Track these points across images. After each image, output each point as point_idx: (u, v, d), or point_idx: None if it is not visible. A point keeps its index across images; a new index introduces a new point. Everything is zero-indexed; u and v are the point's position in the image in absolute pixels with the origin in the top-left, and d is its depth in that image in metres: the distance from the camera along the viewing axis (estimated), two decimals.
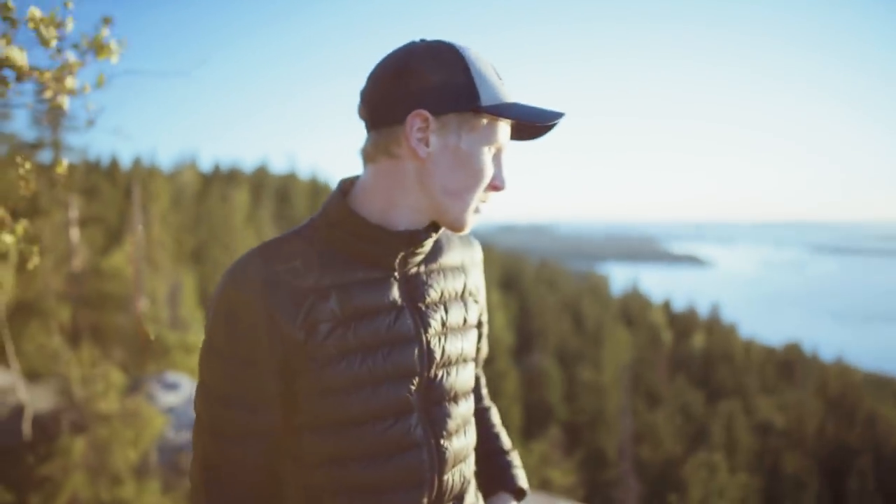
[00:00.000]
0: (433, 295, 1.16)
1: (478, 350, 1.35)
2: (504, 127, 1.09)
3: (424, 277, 1.16)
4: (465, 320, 1.21)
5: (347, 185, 1.15)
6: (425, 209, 1.10)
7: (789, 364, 41.97)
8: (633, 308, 47.74)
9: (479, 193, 1.09)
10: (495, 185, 1.10)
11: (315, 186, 50.63)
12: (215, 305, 1.06)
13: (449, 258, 1.22)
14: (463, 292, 1.23)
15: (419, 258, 1.14)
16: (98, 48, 2.04)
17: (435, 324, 1.14)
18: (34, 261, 1.97)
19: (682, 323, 46.88)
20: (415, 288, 1.14)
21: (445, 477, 1.14)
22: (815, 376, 39.81)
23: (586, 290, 51.89)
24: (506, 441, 1.39)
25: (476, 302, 1.27)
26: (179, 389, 9.91)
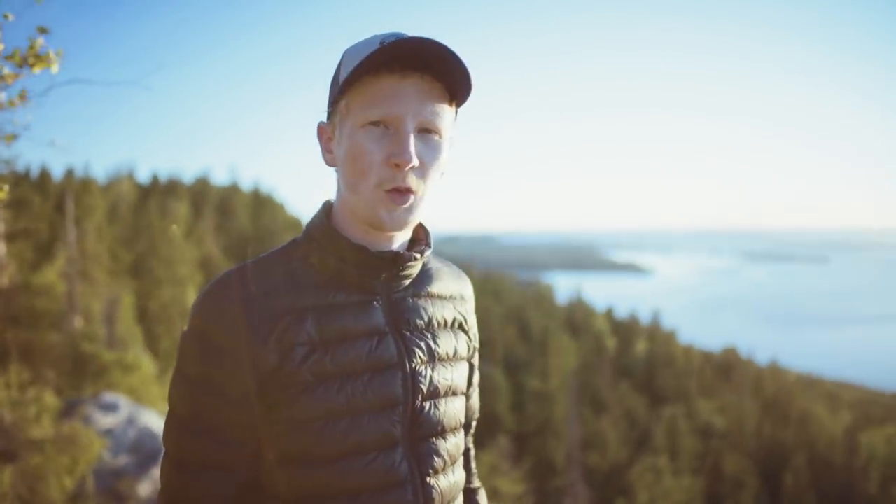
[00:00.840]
0: (420, 322, 1.09)
1: (467, 406, 1.27)
2: (379, 97, 0.96)
3: (410, 303, 1.09)
4: (455, 351, 1.14)
5: (331, 204, 1.11)
6: (357, 216, 1.04)
7: (727, 367, 43.40)
8: (578, 316, 48.54)
9: (372, 178, 0.98)
10: (393, 162, 0.97)
11: (258, 198, 49.74)
12: (186, 330, 1.01)
13: (439, 287, 1.16)
14: (453, 323, 1.16)
15: (405, 282, 1.09)
16: (33, 59, 1.96)
17: (420, 352, 1.07)
18: None
19: (625, 330, 47.91)
20: (400, 313, 1.07)
21: None
22: (751, 379, 41.28)
23: (531, 300, 52.47)
24: None
25: (466, 335, 1.20)
26: (117, 411, 9.50)
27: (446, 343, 1.12)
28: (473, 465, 1.35)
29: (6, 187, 1.91)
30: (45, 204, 25.77)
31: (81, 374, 12.09)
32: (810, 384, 45.36)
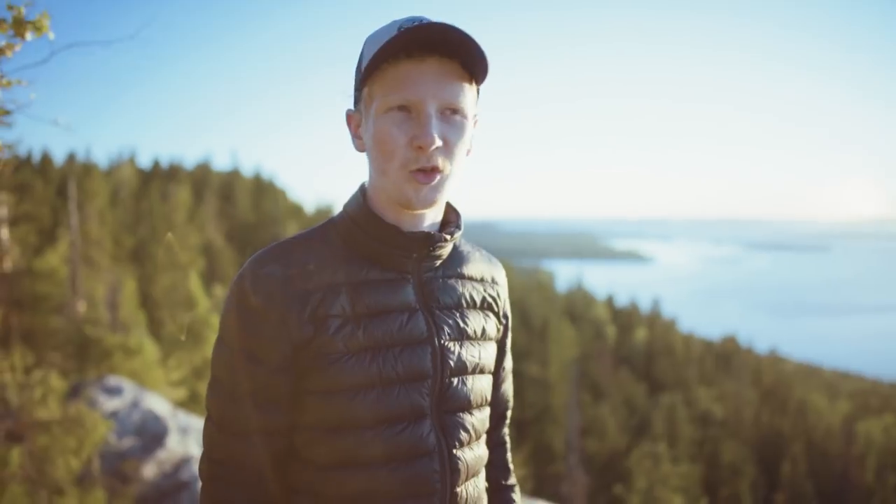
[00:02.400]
0: (449, 301, 1.14)
1: (499, 392, 1.31)
2: (400, 82, 1.00)
3: (441, 283, 1.14)
4: (483, 330, 1.18)
5: (366, 186, 1.15)
6: (388, 198, 1.08)
7: (726, 356, 43.47)
8: (578, 304, 48.56)
9: (398, 160, 1.02)
10: (416, 145, 1.01)
11: (259, 184, 49.57)
12: (228, 301, 1.06)
13: (470, 269, 1.20)
14: (482, 303, 1.20)
15: (435, 262, 1.13)
16: (20, 27, 1.87)
17: (449, 329, 1.11)
18: None
19: (625, 318, 47.90)
20: (430, 292, 1.12)
21: (458, 489, 1.10)
22: (751, 368, 41.36)
23: (532, 287, 52.43)
24: None
25: (496, 316, 1.23)
26: (122, 394, 9.58)
27: (475, 322, 1.16)
28: (510, 459, 1.38)
29: (3, 156, 1.86)
30: (48, 188, 25.77)
31: (85, 358, 12.16)
32: (809, 373, 45.51)
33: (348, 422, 1.03)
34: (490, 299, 1.22)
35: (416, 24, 0.99)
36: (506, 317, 1.28)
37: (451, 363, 1.10)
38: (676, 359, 41.31)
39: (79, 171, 29.83)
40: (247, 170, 60.58)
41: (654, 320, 47.76)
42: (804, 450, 30.51)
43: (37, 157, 34.66)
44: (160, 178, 41.84)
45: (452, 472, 1.08)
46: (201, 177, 46.51)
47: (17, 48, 1.92)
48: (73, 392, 8.84)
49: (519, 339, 39.49)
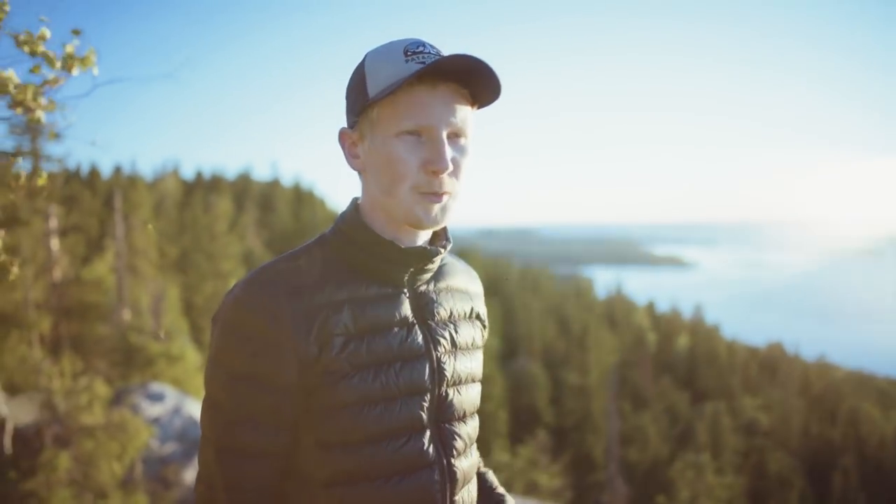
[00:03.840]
0: (442, 313, 1.16)
1: None
2: (413, 107, 1.01)
3: (433, 296, 1.16)
4: (473, 340, 1.21)
5: (358, 202, 1.16)
6: (391, 216, 1.09)
7: (772, 364, 42.36)
8: (618, 311, 47.97)
9: (408, 183, 1.03)
10: (431, 169, 1.03)
11: (298, 194, 50.38)
12: (223, 322, 1.04)
13: (455, 281, 1.23)
14: (470, 313, 1.23)
15: (428, 275, 1.15)
16: (69, 62, 2.00)
17: (444, 341, 1.13)
18: (14, 272, 1.93)
19: (667, 325, 47.14)
20: (424, 305, 1.14)
21: (456, 497, 1.13)
22: (798, 375, 40.21)
23: (571, 294, 52.05)
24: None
25: (482, 324, 1.27)
26: (164, 400, 9.78)
27: (466, 333, 1.19)
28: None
29: (45, 173, 1.97)
30: (95, 200, 26.64)
31: (130, 365, 12.47)
32: (860, 381, 43.88)
33: (353, 438, 1.04)
34: (476, 309, 1.25)
35: (420, 49, 1.03)
36: (486, 326, 1.31)
37: (448, 375, 1.12)
38: (720, 366, 40.43)
39: (125, 183, 30.79)
40: (287, 179, 61.60)
41: (697, 327, 46.88)
42: (856, 461, 29.51)
43: (85, 170, 35.89)
44: (202, 188, 42.84)
45: (451, 481, 1.11)
46: (242, 187, 47.51)
47: (62, 82, 2.06)
48: (118, 398, 9.06)
49: (558, 347, 39.21)
